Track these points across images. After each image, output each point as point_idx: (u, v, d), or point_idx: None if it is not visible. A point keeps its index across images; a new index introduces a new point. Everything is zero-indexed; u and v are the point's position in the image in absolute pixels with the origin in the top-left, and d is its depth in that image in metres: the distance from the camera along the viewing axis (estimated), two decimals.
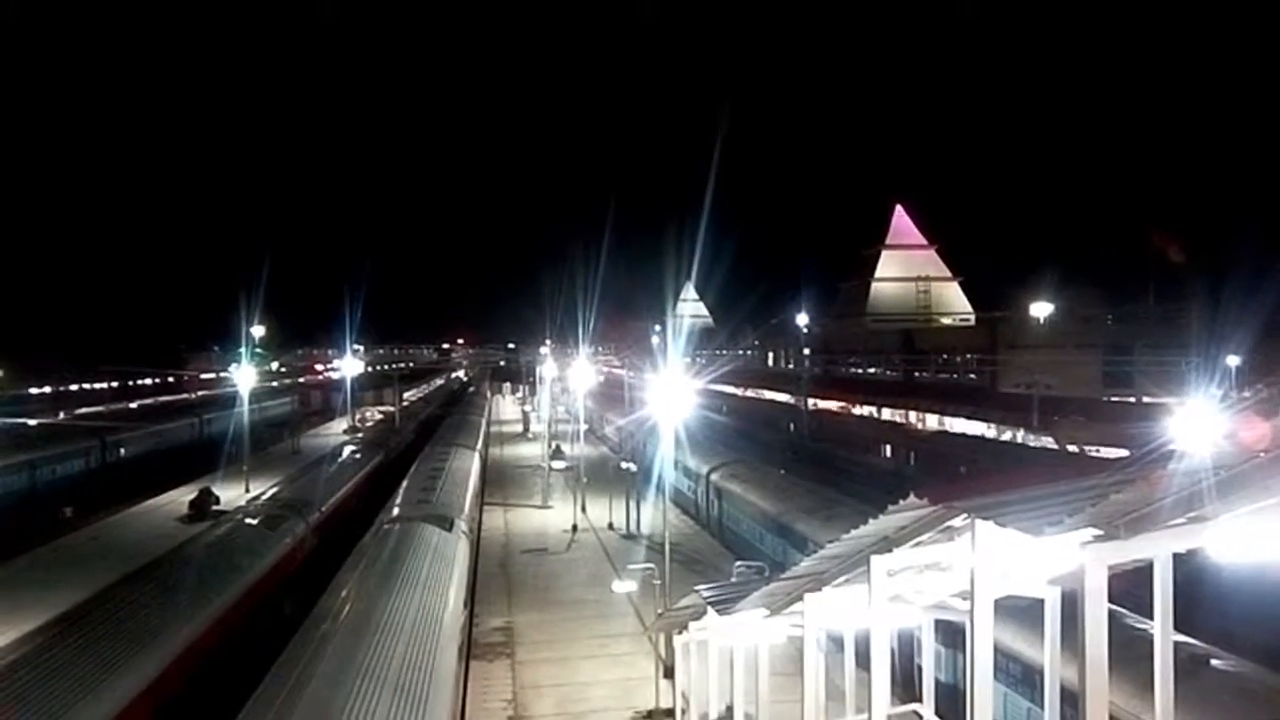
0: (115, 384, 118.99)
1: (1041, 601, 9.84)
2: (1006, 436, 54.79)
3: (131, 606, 19.93)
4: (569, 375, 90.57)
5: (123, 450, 62.71)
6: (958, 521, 8.81)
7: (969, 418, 60.43)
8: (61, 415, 73.11)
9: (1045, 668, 10.27)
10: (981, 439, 55.45)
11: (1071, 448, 46.15)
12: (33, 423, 64.86)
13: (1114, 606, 9.17)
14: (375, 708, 12.77)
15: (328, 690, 13.05)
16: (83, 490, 51.09)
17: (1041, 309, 73.04)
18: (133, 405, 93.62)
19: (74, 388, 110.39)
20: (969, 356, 79.45)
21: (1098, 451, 43.62)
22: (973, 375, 76.78)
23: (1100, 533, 7.85)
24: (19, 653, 17.99)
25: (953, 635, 16.11)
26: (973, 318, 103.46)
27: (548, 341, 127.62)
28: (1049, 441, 48.88)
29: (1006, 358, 69.34)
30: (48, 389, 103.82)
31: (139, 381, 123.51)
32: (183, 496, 43.87)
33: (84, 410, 79.35)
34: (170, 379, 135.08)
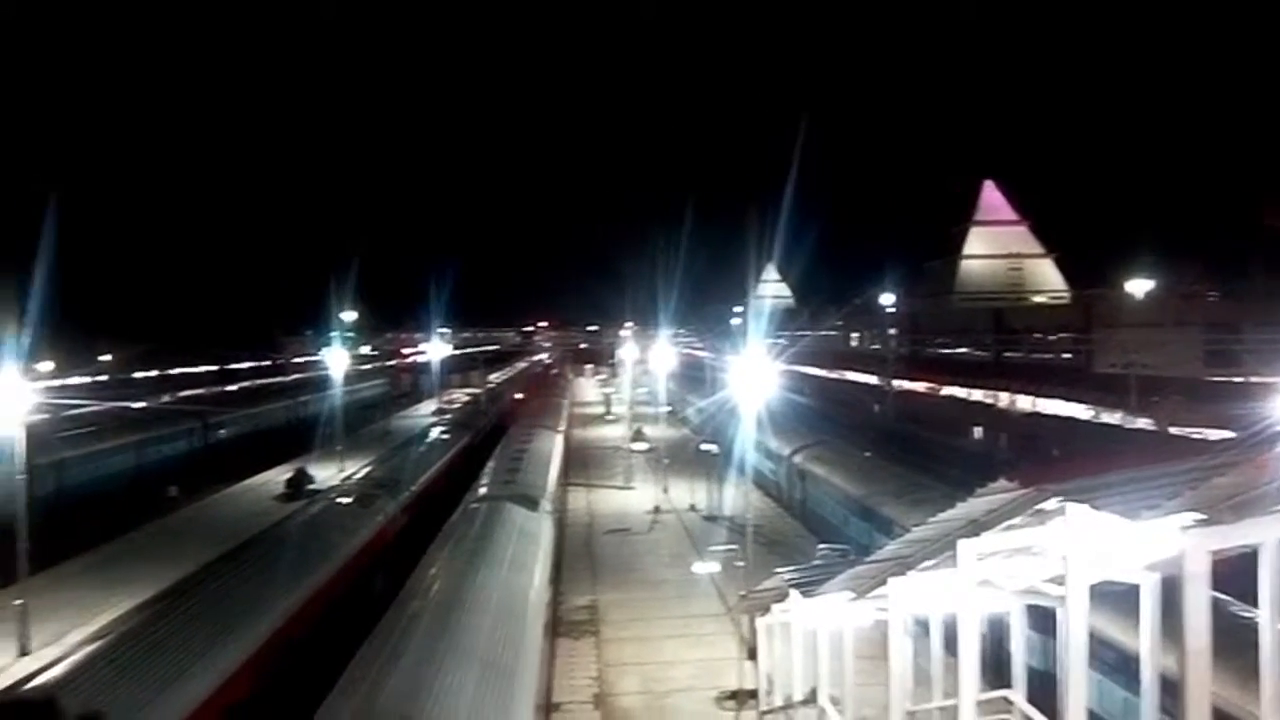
0: (215, 368, 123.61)
1: (1138, 587, 9.54)
2: (1103, 418, 53.04)
3: (233, 581, 20.78)
4: (650, 357, 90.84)
5: (222, 432, 65.25)
6: (1050, 505, 8.58)
7: (1063, 399, 58.65)
8: (165, 398, 76.31)
9: (1142, 656, 9.95)
10: (1076, 420, 53.78)
11: (1172, 429, 44.44)
12: (139, 405, 67.89)
13: (1216, 593, 8.83)
14: (464, 683, 13.08)
15: (419, 665, 13.42)
16: (185, 470, 53.36)
17: (1140, 285, 70.29)
18: (232, 388, 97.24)
19: (177, 372, 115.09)
20: (1063, 335, 77.01)
21: (1200, 434, 41.92)
22: (1067, 355, 74.41)
23: (1203, 517, 7.57)
24: (131, 623, 18.98)
25: (1045, 621, 15.68)
26: (1067, 295, 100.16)
27: (629, 324, 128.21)
28: (1148, 423, 47.16)
29: (1103, 336, 66.97)
30: (153, 373, 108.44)
31: (238, 365, 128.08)
32: (279, 476, 45.46)
33: (186, 393, 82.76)
34: (266, 363, 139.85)
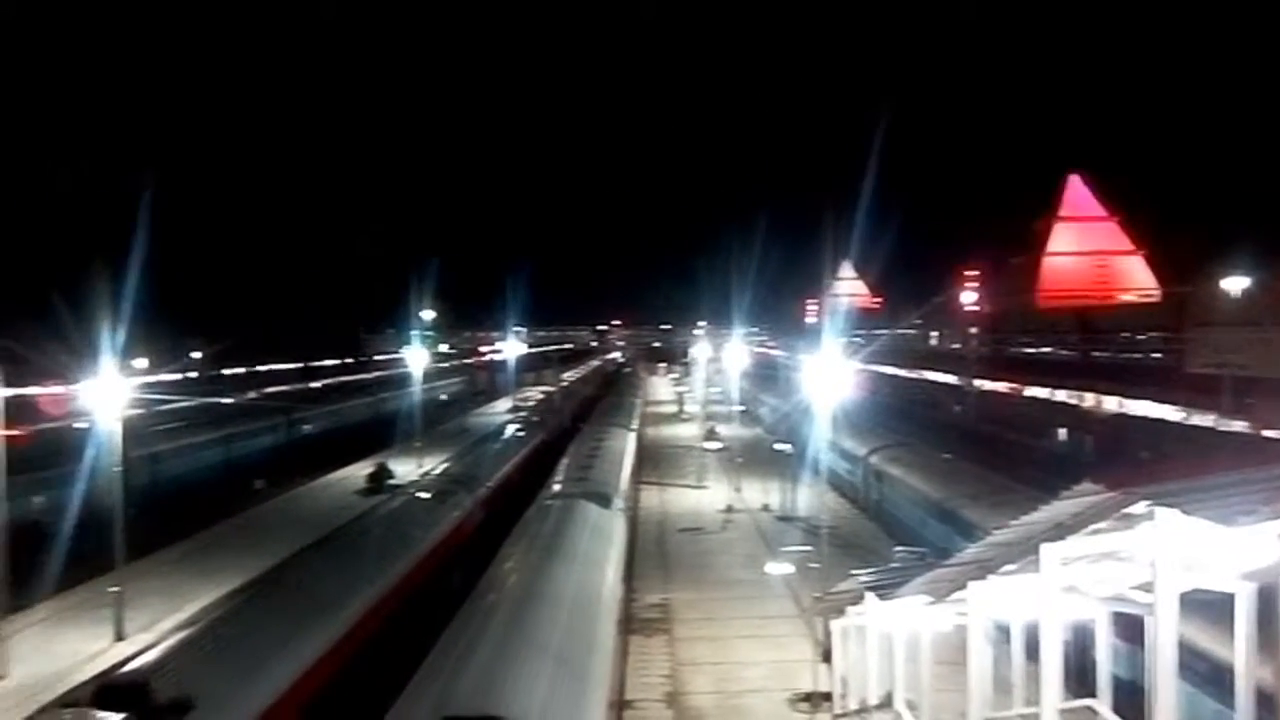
0: (300, 365, 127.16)
1: (1232, 596, 9.17)
2: (1194, 420, 51.12)
3: (317, 572, 21.33)
4: (723, 355, 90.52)
5: (307, 427, 67.06)
6: (1138, 509, 8.30)
7: (1152, 400, 56.69)
8: (252, 394, 78.72)
9: (1237, 667, 9.56)
10: (1165, 422, 51.95)
11: (1268, 433, 42.61)
12: (228, 401, 70.19)
13: None
14: (539, 677, 13.21)
15: (494, 658, 13.60)
16: (271, 464, 55.01)
17: (1236, 283, 67.44)
18: (315, 385, 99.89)
19: (263, 368, 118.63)
20: (1152, 334, 74.39)
21: None
22: (1156, 354, 71.88)
23: None
24: (219, 612, 19.63)
25: (1132, 629, 15.19)
26: (1157, 293, 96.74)
27: (702, 322, 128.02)
28: (1242, 425, 45.30)
29: (1195, 335, 64.51)
30: (240, 369, 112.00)
31: (321, 362, 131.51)
32: (360, 471, 46.55)
33: (272, 389, 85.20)
34: (349, 360, 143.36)
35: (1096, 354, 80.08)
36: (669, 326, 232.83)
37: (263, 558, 29.92)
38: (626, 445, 45.71)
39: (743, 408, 73.43)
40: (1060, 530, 9.24)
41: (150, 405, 54.11)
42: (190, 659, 14.89)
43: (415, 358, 65.01)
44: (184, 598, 26.99)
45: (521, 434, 54.26)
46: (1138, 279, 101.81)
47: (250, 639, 16.28)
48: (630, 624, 25.53)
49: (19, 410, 34.36)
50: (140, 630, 24.12)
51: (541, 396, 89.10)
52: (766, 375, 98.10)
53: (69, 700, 14.14)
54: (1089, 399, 65.06)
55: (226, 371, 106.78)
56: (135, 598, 25.66)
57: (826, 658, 20.49)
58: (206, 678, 14.26)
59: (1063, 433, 55.12)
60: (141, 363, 72.29)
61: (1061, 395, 68.33)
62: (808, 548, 25.31)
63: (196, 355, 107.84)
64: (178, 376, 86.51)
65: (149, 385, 64.56)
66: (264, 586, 20.88)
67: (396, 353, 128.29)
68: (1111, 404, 61.63)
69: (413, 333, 75.02)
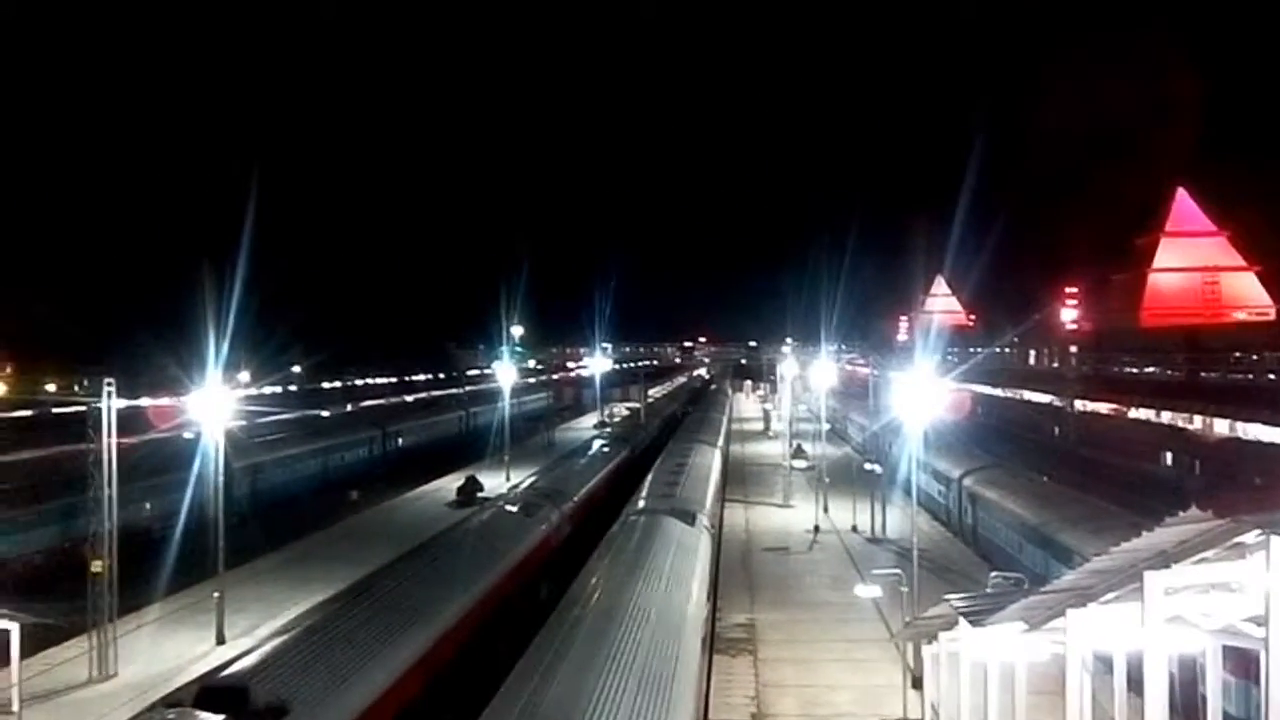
0: (394, 379, 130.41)
1: None
2: None
3: (408, 582, 21.76)
4: (810, 373, 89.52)
5: (400, 440, 68.66)
6: (1249, 538, 7.91)
7: (1266, 423, 53.89)
8: (349, 407, 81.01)
9: None
10: None
11: None
12: (326, 414, 72.33)
13: None
14: (623, 693, 13.21)
15: (579, 674, 13.65)
16: (366, 475, 56.46)
17: None
18: (409, 399, 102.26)
19: (359, 382, 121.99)
20: (1266, 355, 70.81)
21: None
22: (1271, 375, 68.41)
23: None
24: (314, 619, 20.18)
25: (1245, 663, 14.45)
26: (1272, 311, 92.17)
27: (789, 339, 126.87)
28: None
29: None
30: (338, 383, 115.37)
31: (415, 377, 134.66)
32: (451, 483, 47.38)
33: (368, 403, 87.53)
34: (441, 375, 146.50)
35: (1206, 374, 76.62)
36: (755, 343, 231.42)
37: (357, 567, 30.65)
38: (712, 462, 45.53)
39: (830, 426, 72.45)
40: (1165, 558, 8.86)
41: (252, 417, 56.21)
42: (287, 664, 15.34)
43: (504, 373, 66.01)
44: (281, 604, 27.83)
45: (607, 449, 54.56)
46: (1251, 296, 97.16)
47: (344, 647, 16.69)
48: (715, 643, 25.33)
49: (130, 420, 36.02)
50: (240, 635, 24.96)
51: (627, 412, 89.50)
52: (856, 394, 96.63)
53: (172, 700, 14.69)
54: (1197, 422, 62.22)
55: (325, 385, 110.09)
56: (235, 603, 26.56)
57: (917, 684, 19.98)
58: (302, 683, 14.67)
59: (1168, 456, 52.79)
60: (244, 375, 75.14)
61: (1167, 417, 65.51)
62: (897, 571, 24.75)
63: (295, 369, 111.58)
64: (278, 389, 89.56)
65: (251, 397, 67.01)
66: (357, 596, 21.37)
67: (486, 368, 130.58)
68: (1222, 427, 58.80)
69: (502, 348, 76.23)
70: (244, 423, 50.75)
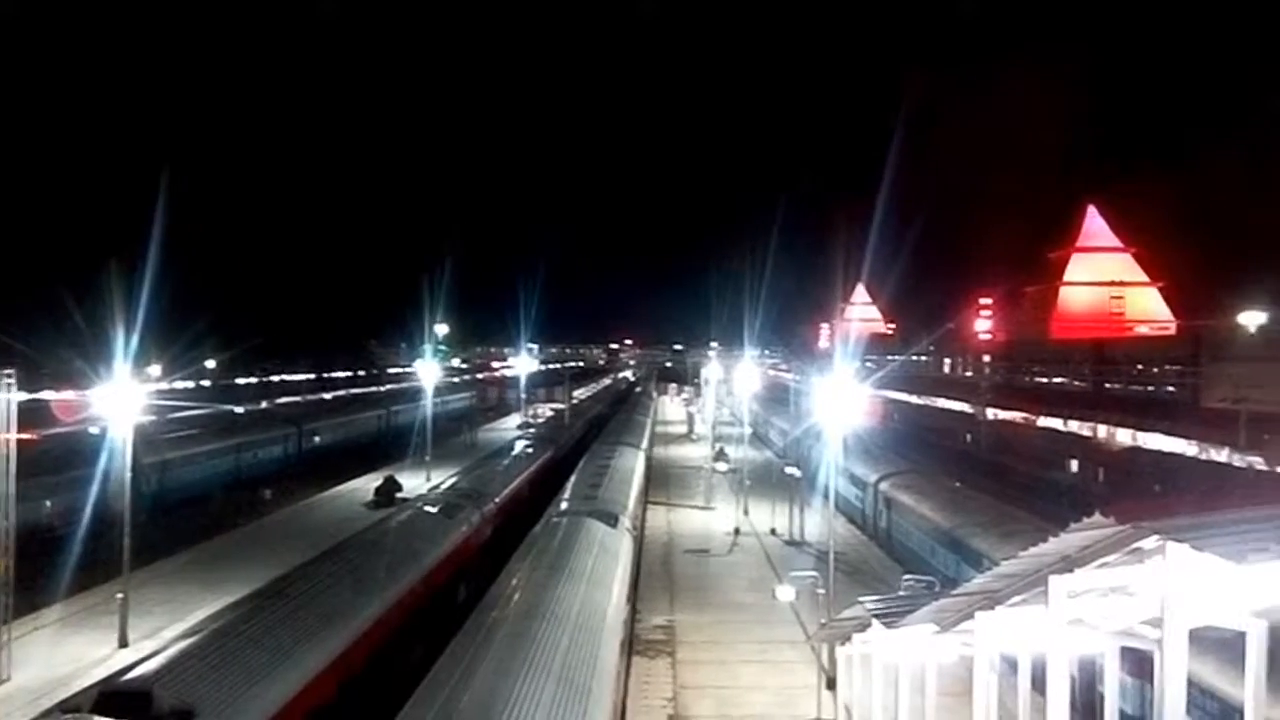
0: (312, 376, 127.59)
1: (1243, 633, 9.06)
2: (1209, 455, 50.71)
3: (323, 584, 21.29)
4: (734, 377, 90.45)
5: (317, 438, 67.20)
6: (1148, 543, 8.23)
7: (1166, 433, 56.29)
8: (264, 404, 79.00)
9: (1246, 707, 9.44)
10: (1180, 457, 51.55)
11: None
12: (239, 410, 70.41)
13: None
14: (540, 697, 13.15)
15: (496, 677, 13.54)
16: (281, 474, 55.13)
17: (1253, 318, 67.04)
18: (327, 396, 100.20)
19: (275, 378, 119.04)
20: (1168, 367, 73.98)
21: None
22: (1171, 388, 71.47)
23: None
24: (223, 621, 19.61)
25: (1141, 664, 15.06)
26: (1173, 326, 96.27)
27: (713, 343, 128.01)
28: (1259, 461, 44.91)
29: (1211, 370, 64.12)
30: (253, 379, 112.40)
31: (333, 374, 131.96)
32: (369, 483, 46.60)
33: (283, 400, 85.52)
34: (361, 372, 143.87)
35: (1110, 386, 79.69)
36: (680, 347, 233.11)
37: (268, 568, 29.91)
38: (635, 464, 45.62)
39: (752, 430, 73.36)
40: (1069, 562, 9.17)
41: (162, 412, 54.42)
42: (193, 667, 14.87)
43: (427, 371, 65.12)
44: (189, 606, 27.01)
45: (530, 450, 54.25)
46: (1153, 311, 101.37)
47: (253, 649, 16.25)
48: (635, 645, 25.40)
49: (31, 414, 34.56)
50: (144, 637, 24.14)
51: (551, 414, 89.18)
52: (778, 398, 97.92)
53: (70, 705, 14.10)
54: (1102, 431, 64.68)
55: (240, 380, 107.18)
56: (140, 605, 25.70)
57: (831, 685, 20.34)
58: (209, 686, 14.24)
59: (1074, 464, 54.74)
60: (154, 369, 72.72)
61: (1074, 426, 67.96)
62: (814, 573, 25.15)
63: (209, 364, 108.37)
64: (190, 384, 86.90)
65: (161, 392, 64.89)
66: (268, 597, 20.83)
67: (408, 366, 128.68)
68: (1125, 436, 61.24)
69: (425, 346, 75.20)
70: (153, 418, 49.15)
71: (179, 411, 58.70)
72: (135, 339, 28.05)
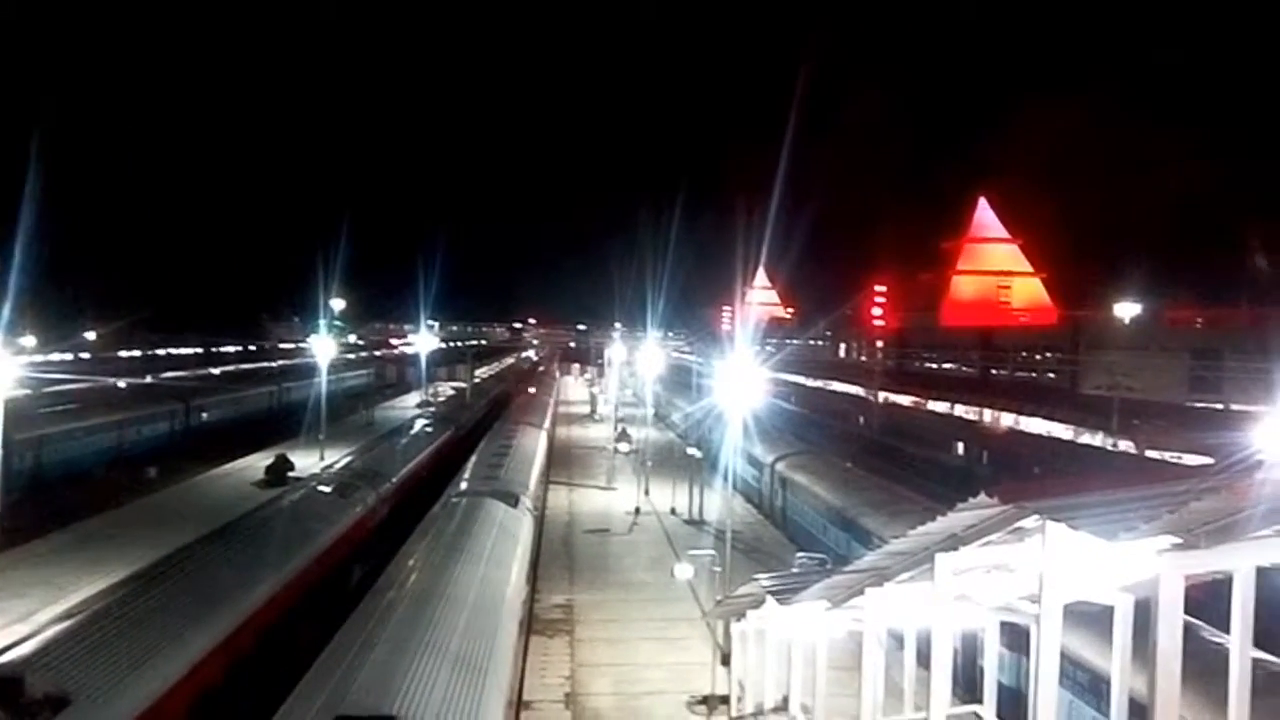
0: (200, 350, 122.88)
1: (1112, 608, 9.59)
2: (1085, 439, 53.35)
3: (210, 565, 20.63)
4: (637, 359, 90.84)
5: (205, 415, 64.86)
6: (1028, 522, 8.62)
7: (1046, 418, 58.95)
8: (148, 378, 75.72)
9: (1113, 677, 10.00)
10: (1058, 440, 54.07)
11: (1152, 453, 44.71)
12: (122, 384, 67.38)
13: (1189, 618, 8.88)
14: (436, 677, 13.03)
15: (391, 656, 13.37)
16: (166, 451, 53.02)
17: (1127, 309, 70.75)
18: (216, 371, 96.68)
19: (161, 352, 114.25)
20: (1048, 355, 77.48)
21: (1180, 458, 42.20)
22: (1052, 375, 74.89)
23: (1179, 541, 7.61)
24: (105, 602, 18.82)
25: (1018, 638, 15.79)
26: (1054, 315, 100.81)
27: (618, 324, 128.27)
28: (1129, 446, 47.44)
29: (1088, 358, 67.40)
30: (137, 352, 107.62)
31: (223, 349, 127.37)
32: (260, 462, 45.22)
33: (169, 374, 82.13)
34: (252, 347, 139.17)
35: (995, 372, 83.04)
36: (584, 327, 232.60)
37: (152, 549, 28.75)
38: (537, 444, 45.47)
39: (655, 411, 73.91)
40: (954, 541, 9.52)
41: (38, 386, 51.68)
42: (70, 652, 14.24)
43: (322, 347, 63.37)
44: (65, 589, 25.77)
45: (430, 430, 53.49)
46: (1036, 300, 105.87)
47: (133, 634, 15.65)
48: (533, 624, 25.40)
49: None
50: (16, 620, 22.96)
51: (452, 392, 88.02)
52: (680, 380, 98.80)
53: None
54: (987, 415, 67.34)
55: (123, 353, 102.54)
56: (13, 587, 24.44)
57: (726, 661, 20.72)
58: (87, 671, 13.67)
59: (960, 446, 56.86)
60: (29, 340, 68.96)
61: (960, 410, 70.54)
62: (712, 552, 25.55)
63: (90, 335, 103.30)
64: (68, 356, 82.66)
65: (37, 365, 61.60)
66: (151, 579, 20.06)
67: (302, 341, 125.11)
68: (1008, 420, 63.88)
69: (320, 321, 73.07)
70: (28, 392, 46.56)
71: (56, 385, 55.80)
72: (6, 307, 26.49)
